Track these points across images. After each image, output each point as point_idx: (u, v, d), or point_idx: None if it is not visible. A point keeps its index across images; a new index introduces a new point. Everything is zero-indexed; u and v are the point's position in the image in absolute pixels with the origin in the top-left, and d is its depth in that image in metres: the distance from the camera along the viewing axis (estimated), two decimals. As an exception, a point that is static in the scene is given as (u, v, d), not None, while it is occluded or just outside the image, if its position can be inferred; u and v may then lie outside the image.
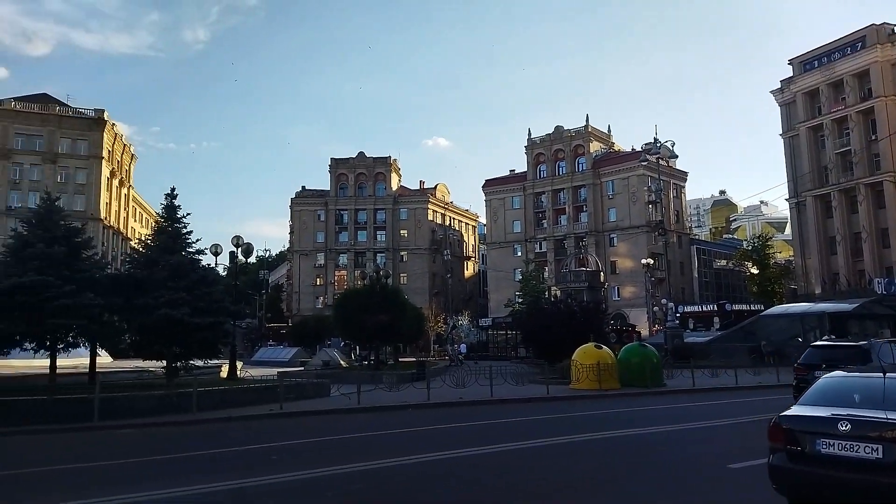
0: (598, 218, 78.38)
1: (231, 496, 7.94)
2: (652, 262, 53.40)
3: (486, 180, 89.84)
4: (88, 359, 20.52)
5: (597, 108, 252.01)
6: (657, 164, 43.93)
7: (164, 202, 20.19)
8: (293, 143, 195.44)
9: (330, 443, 12.85)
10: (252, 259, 26.52)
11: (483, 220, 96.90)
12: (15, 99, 74.27)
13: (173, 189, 20.23)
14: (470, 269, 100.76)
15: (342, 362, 38.90)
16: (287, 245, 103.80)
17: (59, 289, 15.88)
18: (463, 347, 54.47)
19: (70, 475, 9.80)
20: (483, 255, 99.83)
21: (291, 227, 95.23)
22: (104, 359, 24.58)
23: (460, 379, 23.29)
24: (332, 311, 42.92)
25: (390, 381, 24.43)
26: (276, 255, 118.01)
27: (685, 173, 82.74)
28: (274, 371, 27.37)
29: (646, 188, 70.75)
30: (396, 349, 42.66)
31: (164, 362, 19.76)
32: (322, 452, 11.65)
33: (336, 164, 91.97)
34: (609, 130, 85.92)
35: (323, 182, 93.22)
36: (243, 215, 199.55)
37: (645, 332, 55.58)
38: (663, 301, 48.07)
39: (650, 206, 69.68)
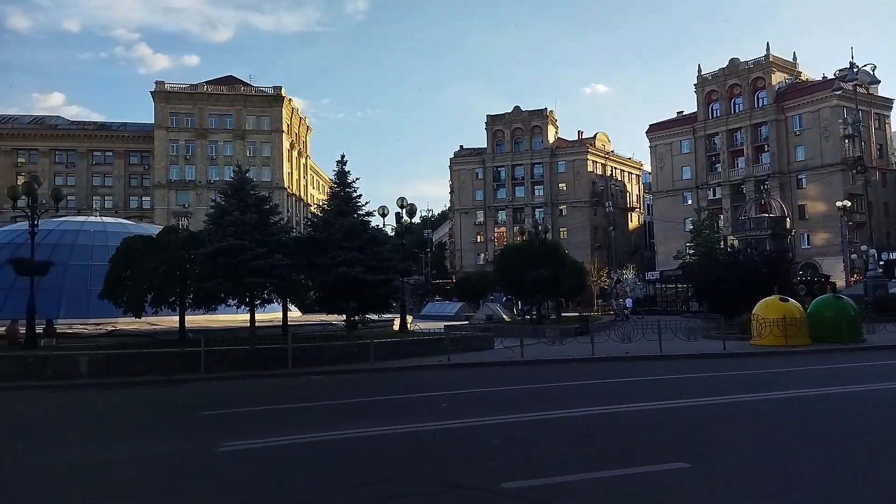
0: (783, 158, 70.77)
1: (410, 438, 8.51)
2: (849, 204, 47.39)
3: (651, 125, 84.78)
4: (281, 313, 22.98)
5: (778, 35, 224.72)
6: (854, 91, 38.48)
7: (336, 169, 21.64)
8: (451, 103, 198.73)
9: (495, 394, 13.22)
10: (416, 219, 27.77)
11: (648, 168, 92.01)
12: (206, 83, 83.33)
13: (343, 156, 21.62)
14: (634, 221, 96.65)
15: (504, 317, 39.63)
16: (448, 204, 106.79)
17: (253, 251, 17.80)
18: (629, 302, 52.73)
19: (274, 415, 11.13)
20: (648, 205, 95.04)
21: (451, 186, 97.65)
22: (294, 313, 27.28)
23: (626, 333, 22.62)
24: (492, 267, 43.67)
25: (553, 336, 24.47)
26: (439, 214, 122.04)
27: (890, 101, 71.61)
28: (440, 325, 28.57)
29: (840, 121, 62.15)
30: (558, 304, 42.43)
31: (344, 316, 21.53)
32: (487, 402, 12.04)
33: (492, 120, 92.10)
34: (794, 58, 76.40)
35: (480, 140, 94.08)
36: (407, 177, 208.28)
37: (841, 282, 49.79)
38: (863, 248, 42.64)
39: (846, 140, 61.22)
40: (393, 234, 32.36)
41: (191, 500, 6.33)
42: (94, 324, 26.04)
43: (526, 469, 6.89)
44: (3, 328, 21.33)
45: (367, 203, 22.08)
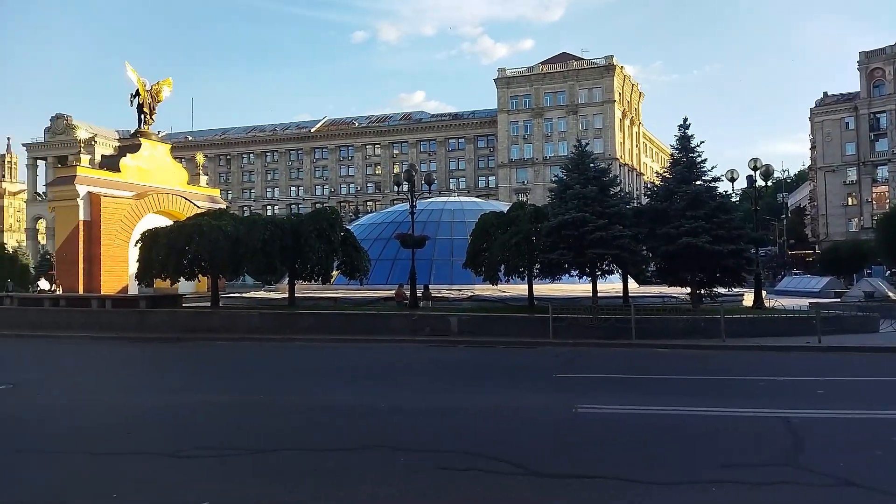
0: None
1: (780, 423, 7.72)
2: None
3: None
4: (620, 284, 23.02)
5: None
6: None
7: (678, 133, 20.55)
8: (807, 45, 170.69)
9: (888, 383, 11.09)
10: (769, 182, 24.52)
11: None
12: (541, 63, 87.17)
13: (685, 119, 20.39)
14: None
15: (890, 294, 32.78)
16: (807, 162, 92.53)
17: (594, 223, 18.14)
18: None
19: (623, 384, 11.28)
20: None
21: (812, 141, 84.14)
22: (631, 284, 27.05)
23: None
24: (872, 235, 36.40)
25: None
26: (795, 175, 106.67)
27: None
28: (801, 301, 25.14)
29: None
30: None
31: (687, 289, 20.49)
32: (880, 393, 10.17)
33: (867, 58, 76.03)
34: None
35: (849, 84, 78.79)
36: (751, 136, 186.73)
37: None
38: None
39: None
40: (738, 200, 29.27)
41: (579, 455, 6.77)
42: (456, 289, 29.88)
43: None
44: (393, 291, 25.91)
45: (713, 168, 20.52)
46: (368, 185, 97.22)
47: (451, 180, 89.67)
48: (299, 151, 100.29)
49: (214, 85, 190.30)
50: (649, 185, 27.44)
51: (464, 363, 14.53)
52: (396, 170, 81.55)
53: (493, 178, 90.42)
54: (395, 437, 7.15)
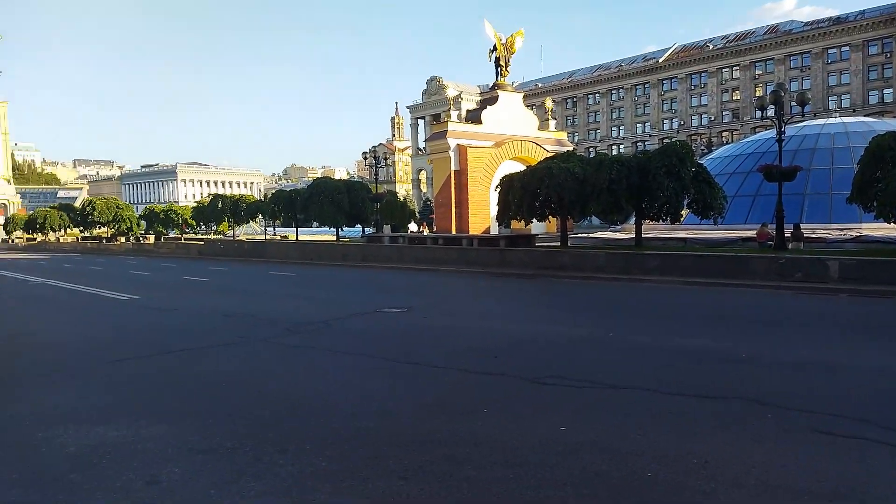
0: None
1: None
2: None
3: None
4: None
5: None
6: None
7: None
8: None
9: None
10: None
11: None
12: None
13: None
14: None
15: None
16: None
17: None
18: None
19: None
20: None
21: None
22: None
23: None
24: None
25: None
26: None
27: None
28: None
29: None
30: None
31: None
32: None
33: None
34: None
35: None
36: None
37: None
38: None
39: None
40: None
41: None
42: (836, 229, 25.47)
43: None
44: (753, 231, 23.40)
45: None
46: (724, 113, 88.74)
47: (829, 99, 75.98)
48: (645, 85, 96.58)
49: (560, 30, 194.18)
50: None
51: (845, 314, 12.36)
52: (759, 92, 72.48)
53: (890, 90, 73.36)
54: (758, 390, 6.47)
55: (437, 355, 8.59)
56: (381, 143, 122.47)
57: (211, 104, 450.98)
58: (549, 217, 25.29)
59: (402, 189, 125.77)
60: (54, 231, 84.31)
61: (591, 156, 29.31)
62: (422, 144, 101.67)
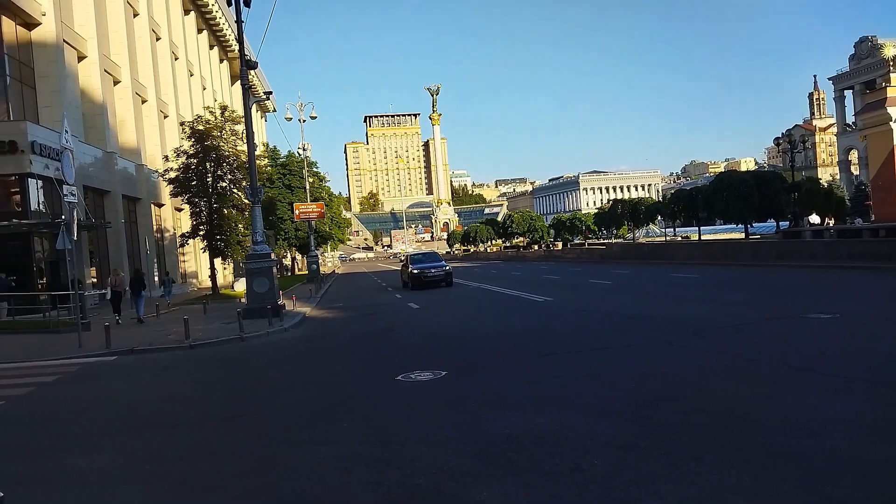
0: None
1: None
2: None
3: None
4: None
5: None
6: None
7: None
8: None
9: None
10: None
11: None
12: None
13: None
14: None
15: None
16: None
17: None
18: None
19: None
20: None
21: None
22: None
23: None
24: None
25: None
26: None
27: None
28: None
29: None
30: None
31: None
32: None
33: None
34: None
35: None
36: None
37: None
38: None
39: None
40: None
41: None
42: None
43: None
44: None
45: None
46: None
47: None
48: None
49: None
50: None
51: None
52: None
53: None
54: None
55: (881, 371, 7.13)
56: (796, 125, 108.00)
57: (603, 111, 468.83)
58: None
59: (826, 174, 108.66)
60: (482, 242, 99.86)
61: None
62: (850, 119, 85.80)
